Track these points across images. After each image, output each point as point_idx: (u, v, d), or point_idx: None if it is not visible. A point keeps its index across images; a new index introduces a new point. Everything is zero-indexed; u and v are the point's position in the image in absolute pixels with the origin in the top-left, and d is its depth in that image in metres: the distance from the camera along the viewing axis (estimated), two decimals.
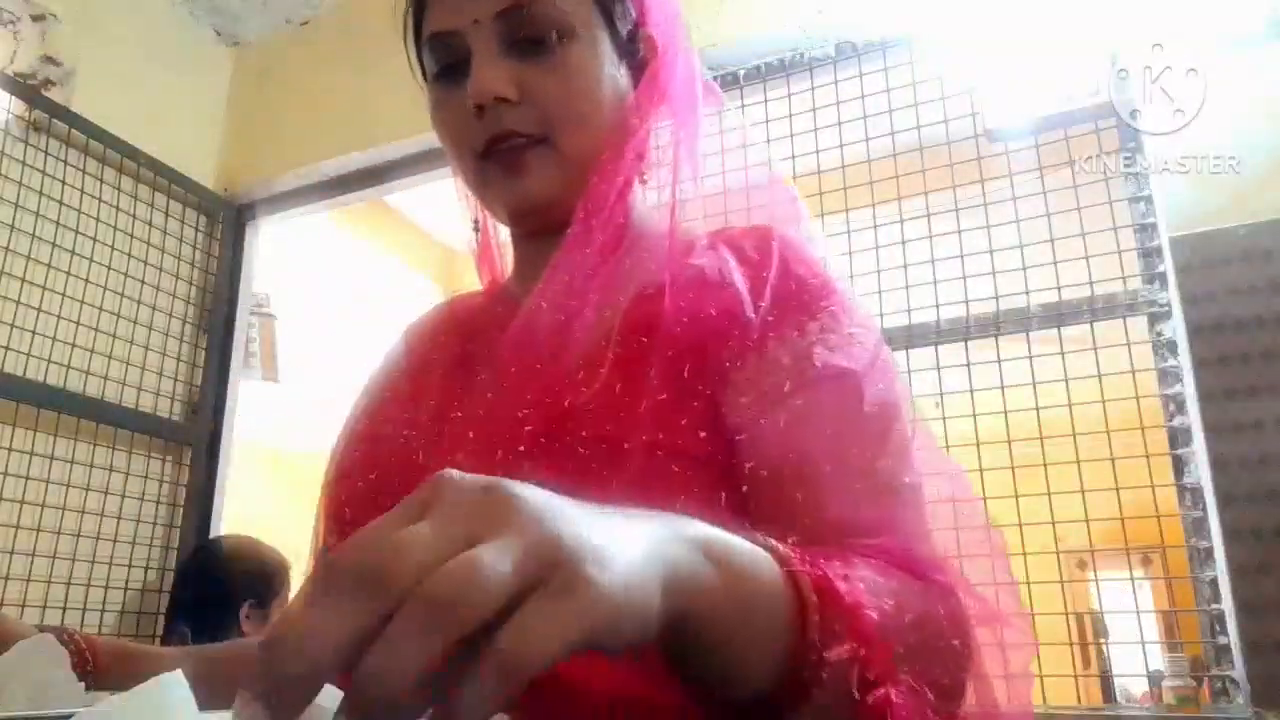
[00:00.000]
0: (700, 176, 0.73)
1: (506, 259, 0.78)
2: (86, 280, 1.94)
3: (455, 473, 0.32)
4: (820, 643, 0.40)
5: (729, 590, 0.37)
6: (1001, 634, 0.61)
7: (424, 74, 0.69)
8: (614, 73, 0.66)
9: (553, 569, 0.29)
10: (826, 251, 0.65)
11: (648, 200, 0.72)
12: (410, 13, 0.69)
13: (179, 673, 0.35)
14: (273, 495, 4.25)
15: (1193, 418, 1.32)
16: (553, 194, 0.64)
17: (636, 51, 0.69)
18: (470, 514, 0.30)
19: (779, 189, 0.77)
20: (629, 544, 0.33)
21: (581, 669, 0.48)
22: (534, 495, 0.31)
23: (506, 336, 0.62)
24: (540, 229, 0.67)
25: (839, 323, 0.58)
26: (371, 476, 0.63)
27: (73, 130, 1.96)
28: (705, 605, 0.35)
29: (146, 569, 2.01)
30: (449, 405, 0.63)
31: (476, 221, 0.78)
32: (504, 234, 0.77)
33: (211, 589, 1.85)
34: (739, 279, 0.59)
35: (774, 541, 0.42)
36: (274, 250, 2.50)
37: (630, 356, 0.57)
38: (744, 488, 0.54)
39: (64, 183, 1.93)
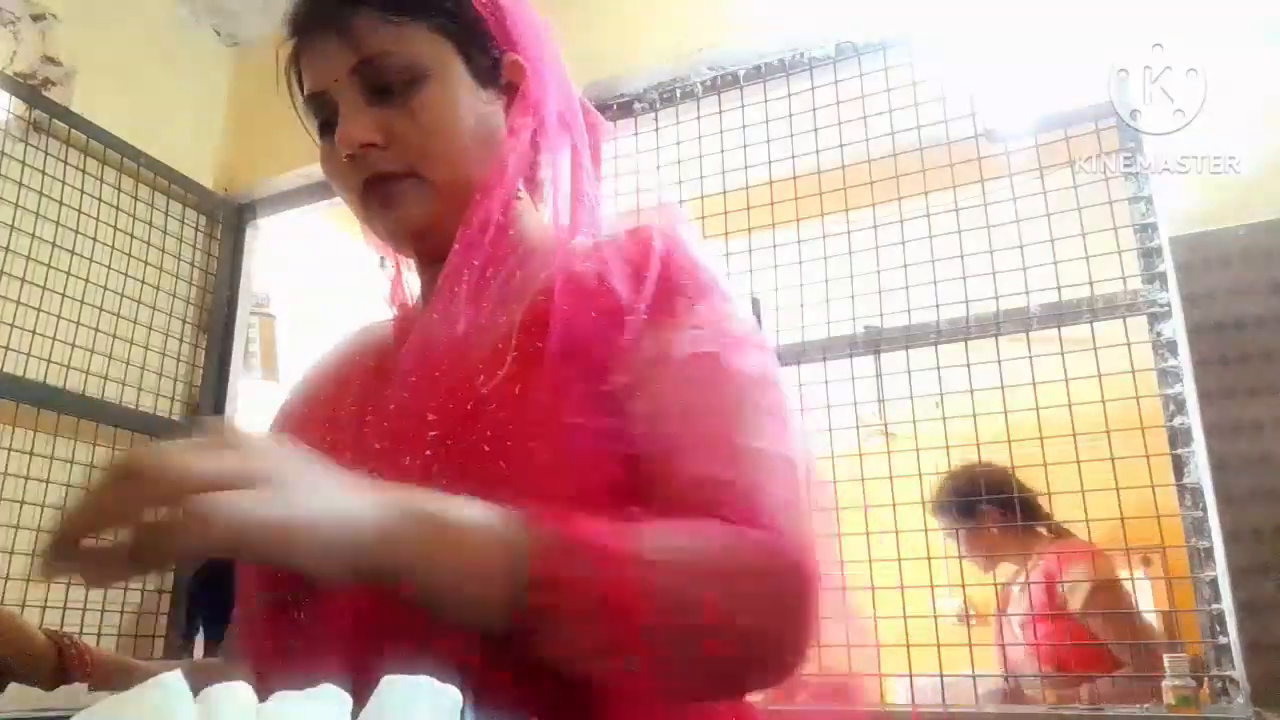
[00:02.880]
0: (584, 190, 0.77)
1: (415, 288, 0.84)
2: (86, 280, 1.94)
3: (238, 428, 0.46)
4: (539, 592, 0.48)
5: (439, 549, 0.48)
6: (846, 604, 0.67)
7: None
8: (476, 102, 0.70)
9: (253, 480, 0.43)
10: (708, 253, 0.69)
11: (539, 215, 0.77)
12: (293, 76, 0.76)
13: (178, 673, 0.35)
14: None
15: (1193, 418, 1.32)
16: (428, 221, 0.70)
17: (502, 77, 0.73)
18: (226, 448, 0.44)
19: (671, 210, 0.83)
20: (339, 499, 0.46)
21: (444, 641, 0.53)
22: (282, 448, 0.47)
23: (406, 348, 0.68)
24: (429, 252, 0.72)
25: (706, 315, 0.63)
26: None
27: (73, 130, 1.96)
28: (409, 559, 0.47)
29: None
30: (361, 419, 0.68)
31: (383, 259, 0.84)
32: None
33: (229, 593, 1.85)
34: (618, 280, 0.63)
35: (527, 512, 0.50)
36: (274, 250, 2.50)
37: (526, 359, 0.62)
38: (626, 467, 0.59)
39: (64, 183, 1.93)
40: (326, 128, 0.71)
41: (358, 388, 0.72)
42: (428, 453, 0.60)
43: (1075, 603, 1.64)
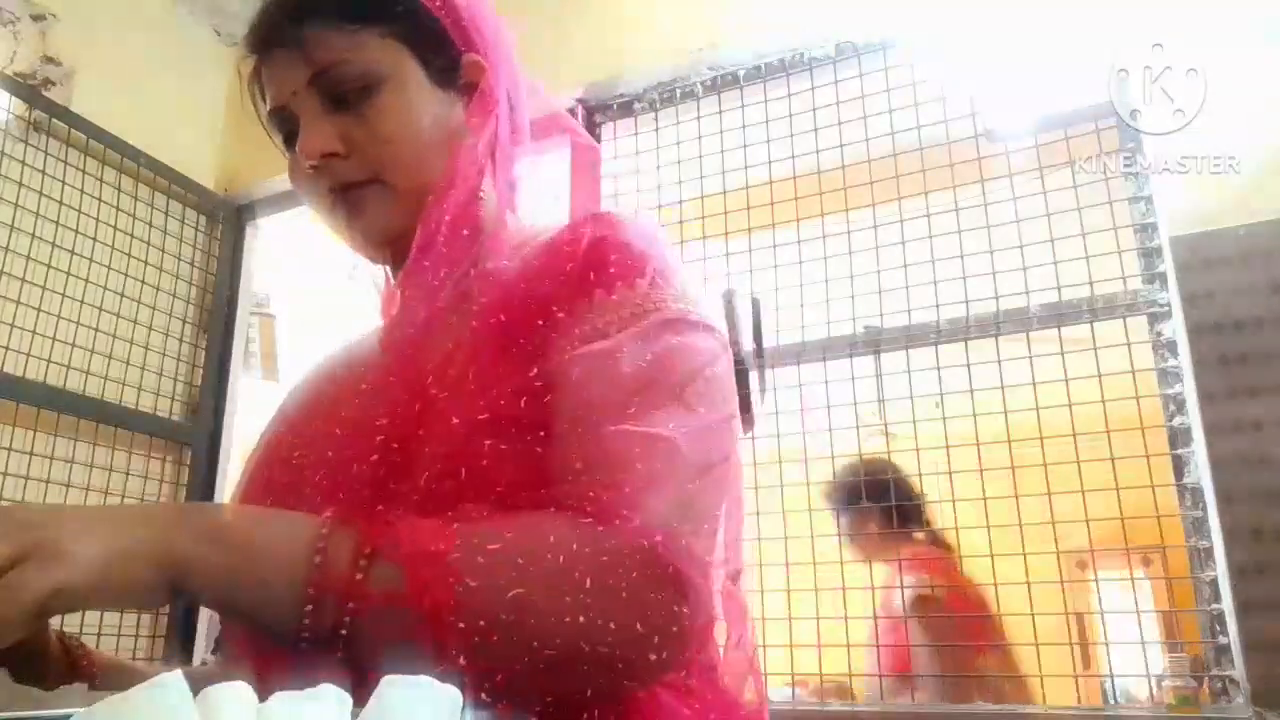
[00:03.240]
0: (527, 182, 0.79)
1: None
2: (86, 280, 1.94)
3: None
4: (327, 594, 0.49)
5: (228, 561, 0.50)
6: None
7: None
8: (434, 104, 0.71)
9: (35, 548, 0.45)
10: (655, 245, 0.67)
11: (504, 211, 0.76)
12: (256, 94, 0.76)
13: (178, 673, 0.35)
14: None
15: (1193, 418, 1.32)
16: (393, 225, 0.70)
17: (460, 77, 0.73)
18: None
19: (634, 209, 0.85)
20: (116, 535, 0.48)
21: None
22: (36, 510, 0.50)
23: (380, 348, 0.70)
24: (398, 260, 0.72)
25: (620, 301, 0.61)
26: (269, 500, 0.68)
27: (73, 130, 1.96)
28: (201, 574, 0.49)
29: None
30: (328, 425, 0.68)
31: (354, 269, 0.84)
32: None
33: None
34: (537, 276, 0.64)
35: (331, 513, 0.52)
36: (274, 250, 2.50)
37: (489, 348, 0.62)
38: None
39: (64, 183, 1.93)
40: (290, 139, 0.73)
41: (327, 400, 0.72)
42: (374, 458, 0.60)
43: (901, 608, 1.67)
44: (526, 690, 0.51)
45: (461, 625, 0.48)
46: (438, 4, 0.73)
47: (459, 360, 0.62)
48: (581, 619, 0.49)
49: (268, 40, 0.71)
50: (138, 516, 0.51)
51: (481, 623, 0.48)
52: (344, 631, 0.49)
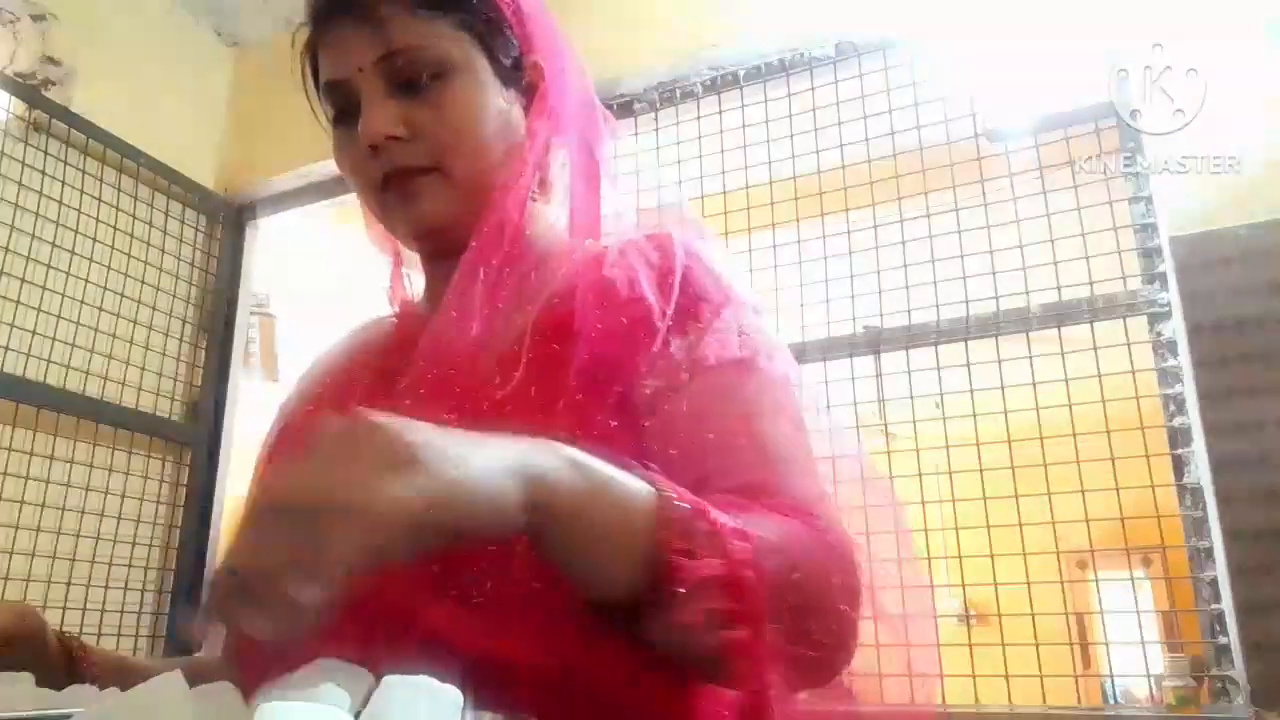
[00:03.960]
0: (600, 192, 0.78)
1: (417, 286, 0.84)
2: (86, 280, 1.94)
3: (336, 420, 0.43)
4: (676, 558, 0.47)
5: (591, 493, 0.47)
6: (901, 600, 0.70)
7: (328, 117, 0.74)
8: (499, 100, 0.71)
9: (394, 463, 0.40)
10: (729, 264, 0.70)
11: (552, 217, 0.77)
12: (308, 62, 0.75)
13: (178, 673, 0.35)
14: None
15: (1193, 418, 1.32)
16: (447, 217, 0.69)
17: (523, 78, 0.74)
18: (347, 448, 0.41)
19: (688, 216, 0.87)
20: (483, 450, 0.44)
21: (448, 628, 0.53)
22: (396, 423, 0.43)
23: (420, 347, 0.67)
24: (443, 250, 0.72)
25: (731, 322, 0.64)
26: None
27: (73, 130, 1.96)
28: (565, 500, 0.45)
29: (146, 569, 2.01)
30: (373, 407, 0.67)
31: (398, 254, 0.84)
32: (415, 261, 0.82)
33: None
34: (648, 289, 0.64)
35: (657, 476, 0.50)
36: (274, 250, 2.50)
37: (543, 361, 0.62)
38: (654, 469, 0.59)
39: (64, 183, 1.93)
40: (343, 117, 0.71)
41: (364, 389, 0.71)
42: None
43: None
44: (792, 674, 0.52)
45: (763, 605, 0.48)
46: (508, 2, 0.73)
47: (529, 361, 0.62)
48: (844, 607, 0.53)
49: (337, 11, 0.69)
50: (492, 441, 0.46)
51: (780, 602, 0.49)
52: (666, 597, 0.47)
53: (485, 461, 0.43)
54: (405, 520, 0.40)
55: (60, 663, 0.72)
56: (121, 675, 0.73)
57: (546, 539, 0.46)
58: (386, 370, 0.71)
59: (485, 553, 0.55)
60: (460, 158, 0.68)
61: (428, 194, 0.69)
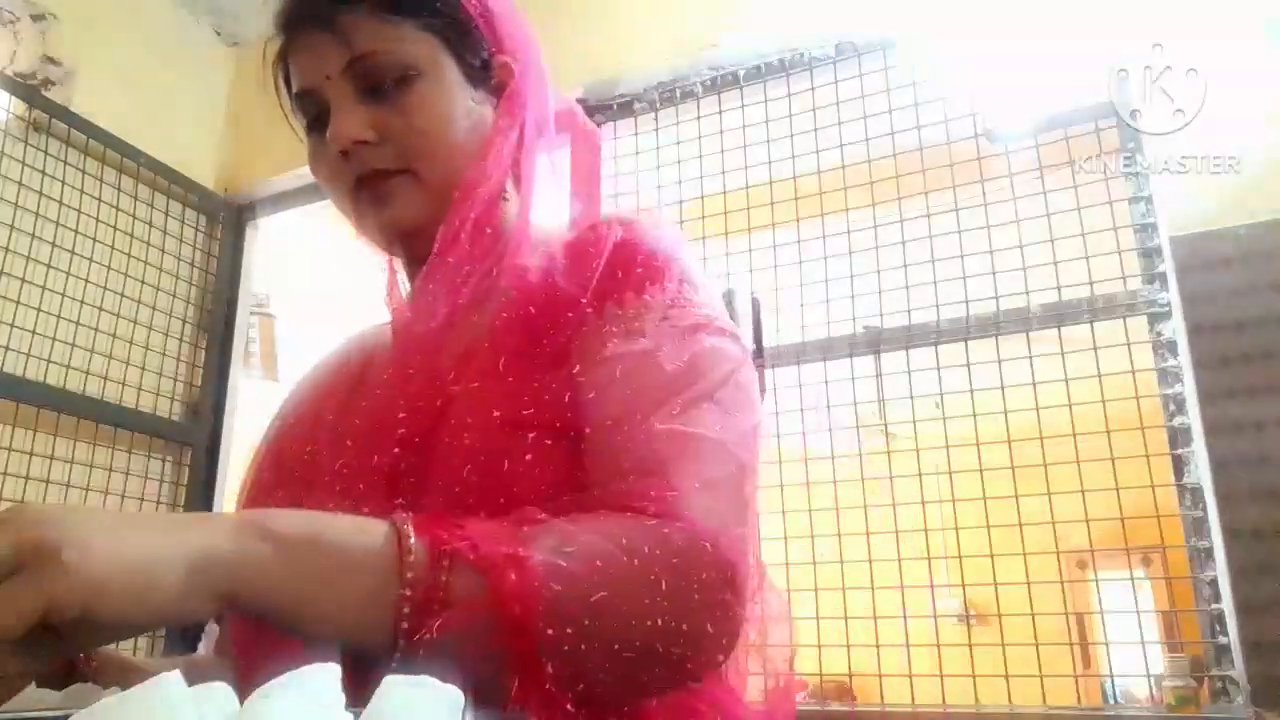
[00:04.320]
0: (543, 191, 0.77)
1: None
2: (86, 280, 1.94)
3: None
4: (416, 606, 0.46)
5: (290, 566, 0.45)
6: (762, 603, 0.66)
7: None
8: (467, 101, 0.71)
9: (34, 556, 0.39)
10: (679, 248, 0.69)
11: (525, 215, 0.76)
12: (280, 72, 0.76)
13: (177, 673, 0.35)
14: None
15: (1193, 418, 1.32)
16: (419, 219, 0.69)
17: (492, 78, 0.74)
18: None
19: (649, 210, 0.86)
20: (143, 540, 0.42)
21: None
22: (46, 508, 0.41)
23: (390, 350, 0.70)
24: (418, 253, 0.71)
25: (651, 303, 0.63)
26: (279, 494, 0.69)
27: (73, 130, 1.96)
28: (257, 580, 0.45)
29: None
30: (340, 423, 0.68)
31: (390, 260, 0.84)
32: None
33: None
34: (562, 275, 0.65)
35: (403, 516, 0.49)
36: (274, 250, 2.50)
37: (506, 350, 0.63)
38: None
39: (64, 183, 1.93)
40: (315, 125, 0.71)
41: (342, 393, 0.72)
42: (395, 451, 0.60)
43: None
44: (605, 693, 0.50)
45: (550, 631, 0.47)
46: (474, 3, 0.72)
47: (483, 357, 0.62)
48: (659, 621, 0.49)
49: (303, 20, 0.70)
50: (178, 520, 0.46)
51: (568, 629, 0.47)
52: (425, 641, 0.46)
53: (146, 551, 0.42)
54: (16, 625, 0.38)
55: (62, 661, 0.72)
56: (125, 675, 0.73)
57: (251, 614, 0.46)
58: (363, 374, 0.72)
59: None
60: (430, 160, 0.69)
61: (399, 197, 0.69)
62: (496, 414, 0.59)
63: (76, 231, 1.93)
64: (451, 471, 0.58)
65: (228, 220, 2.33)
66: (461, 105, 0.70)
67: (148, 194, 2.13)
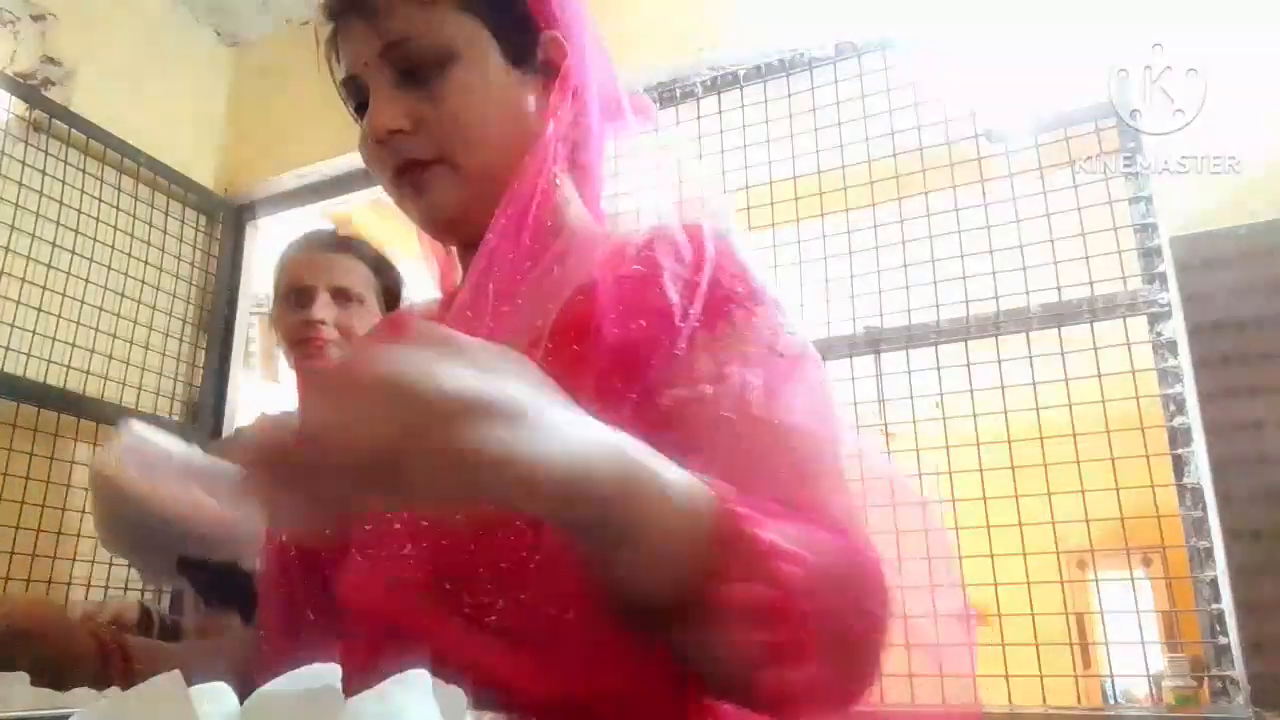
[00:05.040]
0: (624, 174, 0.77)
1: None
2: (86, 280, 1.94)
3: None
4: (726, 578, 0.45)
5: (658, 494, 0.44)
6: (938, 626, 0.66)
7: None
8: (509, 84, 0.68)
9: (506, 410, 0.38)
10: (758, 259, 0.66)
11: (582, 203, 0.74)
12: (333, 59, 0.73)
13: (177, 673, 0.35)
14: None
15: (1193, 418, 1.32)
16: (457, 208, 0.68)
17: (539, 56, 0.70)
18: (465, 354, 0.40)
19: (720, 210, 0.81)
20: (574, 438, 0.41)
21: (455, 648, 0.52)
22: (515, 365, 0.42)
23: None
24: (465, 240, 0.70)
25: (763, 323, 0.60)
26: None
27: (73, 130, 1.96)
28: (643, 495, 0.44)
29: None
30: None
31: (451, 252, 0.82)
32: None
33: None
34: (670, 286, 0.60)
35: (715, 481, 0.48)
36: (274, 250, 2.49)
37: (564, 358, 0.59)
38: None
39: (64, 183, 1.93)
40: (362, 109, 0.70)
41: None
42: None
43: None
44: (830, 698, 0.50)
45: (812, 640, 0.46)
46: None
47: (546, 364, 0.60)
48: (875, 633, 0.51)
49: (343, 7, 0.69)
50: (574, 416, 0.44)
51: (824, 639, 0.47)
52: (710, 616, 0.45)
53: (571, 452, 0.41)
54: (473, 474, 0.37)
55: (90, 655, 0.72)
56: (154, 664, 0.73)
57: (600, 534, 0.44)
58: None
59: (500, 571, 0.54)
60: (465, 148, 0.66)
61: (436, 186, 0.67)
62: None
63: (76, 231, 1.93)
64: None
65: (228, 220, 2.33)
66: (501, 89, 0.68)
67: (148, 194, 2.13)
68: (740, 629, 0.45)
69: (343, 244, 1.49)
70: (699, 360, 0.58)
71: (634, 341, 0.59)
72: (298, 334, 1.38)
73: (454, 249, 0.76)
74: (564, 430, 0.41)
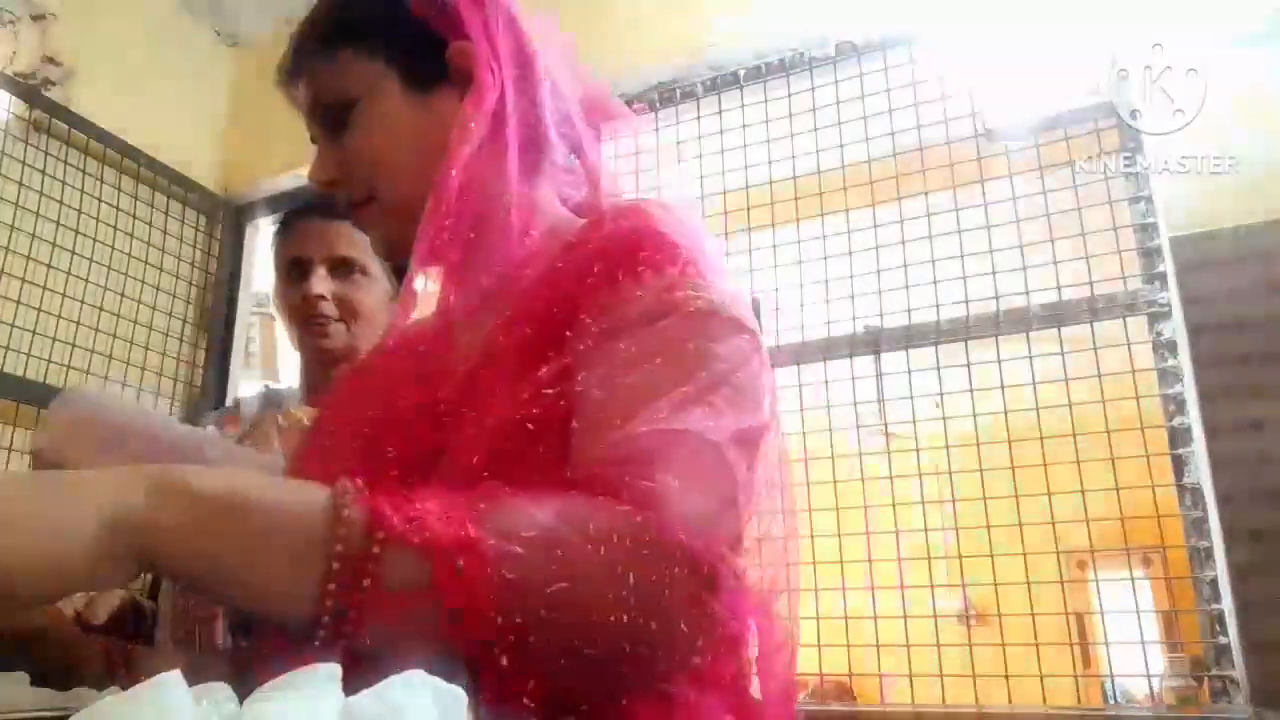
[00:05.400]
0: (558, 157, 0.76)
1: None
2: (86, 280, 1.94)
3: None
4: (339, 577, 0.43)
5: (209, 526, 0.43)
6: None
7: None
8: (414, 112, 0.69)
9: None
10: (699, 236, 0.65)
11: (534, 200, 0.73)
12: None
13: (177, 673, 0.35)
14: None
15: (1193, 418, 1.32)
16: (395, 239, 0.70)
17: (445, 72, 0.70)
18: None
19: (674, 196, 0.85)
20: (50, 507, 0.41)
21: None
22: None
23: (389, 335, 0.72)
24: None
25: (666, 285, 0.59)
26: (310, 465, 0.70)
27: (73, 130, 1.96)
28: (174, 544, 0.43)
29: None
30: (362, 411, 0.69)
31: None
32: None
33: None
34: (566, 273, 0.62)
35: (347, 483, 0.46)
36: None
37: (498, 355, 0.61)
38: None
39: (64, 183, 1.93)
40: None
41: (363, 388, 0.74)
42: (401, 445, 0.60)
43: None
44: (563, 691, 0.46)
45: (499, 621, 0.43)
46: (428, 3, 0.70)
47: (482, 360, 0.61)
48: (625, 617, 0.45)
49: (284, 73, 0.74)
50: (89, 479, 0.43)
51: (518, 620, 0.44)
52: (355, 625, 0.44)
53: (53, 514, 0.41)
54: None
55: (97, 666, 0.73)
56: (156, 670, 0.73)
57: (182, 583, 0.47)
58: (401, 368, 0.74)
59: None
60: (383, 183, 0.70)
61: (373, 224, 0.72)
62: (500, 414, 0.57)
63: (76, 231, 1.93)
64: (458, 471, 0.56)
65: (228, 220, 2.33)
66: (407, 120, 0.69)
67: (148, 194, 2.13)
68: (407, 637, 0.44)
69: (331, 207, 1.42)
70: (582, 334, 0.58)
71: (540, 323, 0.60)
72: (298, 312, 1.28)
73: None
74: (32, 518, 0.41)
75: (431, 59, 0.70)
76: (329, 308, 1.26)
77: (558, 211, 0.73)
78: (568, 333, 0.59)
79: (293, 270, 1.29)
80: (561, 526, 0.46)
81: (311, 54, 0.71)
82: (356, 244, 1.28)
